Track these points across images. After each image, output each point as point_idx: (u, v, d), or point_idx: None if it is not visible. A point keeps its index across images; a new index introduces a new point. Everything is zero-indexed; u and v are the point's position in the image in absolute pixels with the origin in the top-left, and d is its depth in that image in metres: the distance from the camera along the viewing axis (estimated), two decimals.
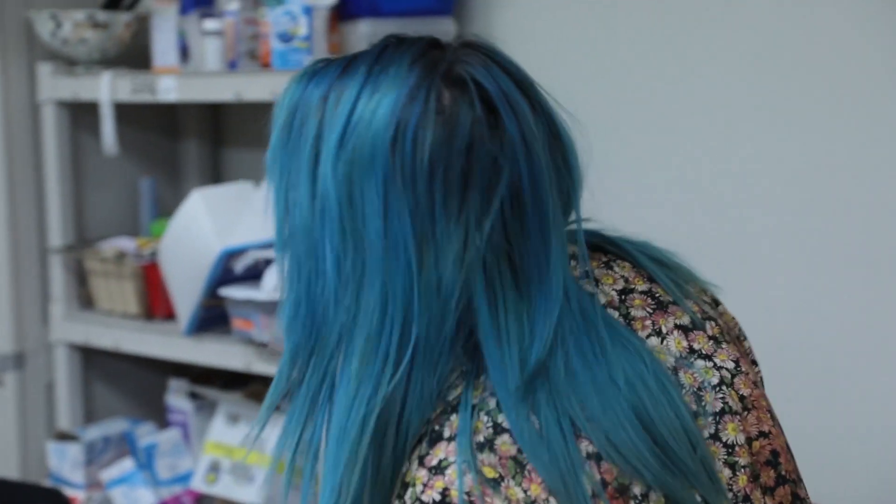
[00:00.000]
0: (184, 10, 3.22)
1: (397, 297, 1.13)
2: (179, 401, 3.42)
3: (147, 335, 3.29)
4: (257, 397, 3.20)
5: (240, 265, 2.94)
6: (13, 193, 3.51)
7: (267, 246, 2.89)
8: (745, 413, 1.22)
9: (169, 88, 3.20)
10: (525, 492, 1.07)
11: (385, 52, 1.17)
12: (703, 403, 1.18)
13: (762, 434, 1.21)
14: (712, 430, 1.17)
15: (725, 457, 1.18)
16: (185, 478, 3.29)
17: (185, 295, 3.13)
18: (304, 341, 1.19)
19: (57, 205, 3.53)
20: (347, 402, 1.13)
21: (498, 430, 1.10)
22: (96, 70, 3.37)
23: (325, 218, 1.13)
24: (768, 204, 2.73)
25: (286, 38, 2.99)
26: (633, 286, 1.25)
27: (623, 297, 1.25)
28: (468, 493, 1.06)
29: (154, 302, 3.28)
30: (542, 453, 1.08)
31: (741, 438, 1.19)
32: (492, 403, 1.11)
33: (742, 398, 1.22)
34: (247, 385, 3.25)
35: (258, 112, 3.13)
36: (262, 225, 2.68)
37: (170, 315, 3.21)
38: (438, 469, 1.09)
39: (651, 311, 1.22)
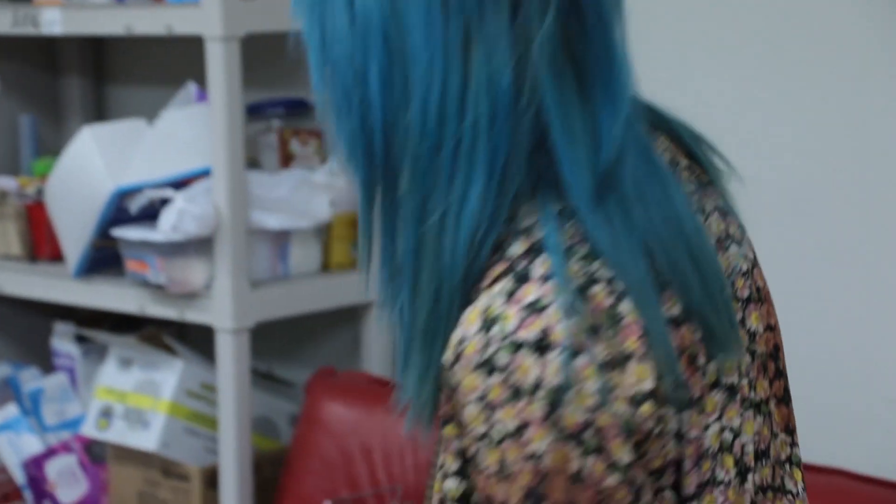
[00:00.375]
0: None
1: (454, 105, 1.22)
2: (66, 345, 3.32)
3: (31, 277, 3.22)
4: (152, 340, 3.11)
5: (134, 205, 2.81)
6: None
7: (162, 185, 2.84)
8: (762, 304, 1.21)
9: (53, 21, 3.11)
10: (622, 344, 1.04)
11: None
12: (734, 288, 1.16)
13: (770, 327, 1.20)
14: (740, 316, 1.14)
15: (748, 343, 1.17)
16: (73, 423, 3.19)
17: (74, 235, 3.04)
18: (370, 174, 1.15)
19: None
20: (414, 224, 1.08)
21: (592, 279, 1.01)
22: None
23: (369, 39, 1.07)
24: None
25: None
26: (677, 159, 1.18)
27: (671, 167, 1.19)
28: (574, 336, 1.14)
29: (38, 242, 3.17)
30: (626, 261, 1.05)
31: (761, 328, 1.18)
32: (583, 250, 1.04)
33: (759, 289, 1.21)
34: (139, 328, 3.18)
35: (147, 47, 2.96)
36: (157, 163, 2.98)
37: (56, 256, 3.09)
38: (534, 308, 1.09)
39: (694, 188, 1.16)
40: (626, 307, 0.97)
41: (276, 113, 3.36)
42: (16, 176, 3.41)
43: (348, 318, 3.38)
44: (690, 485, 1.05)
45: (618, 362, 0.96)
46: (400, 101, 1.03)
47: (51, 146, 3.48)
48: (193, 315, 3.02)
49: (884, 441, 2.64)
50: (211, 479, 3.07)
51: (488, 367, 1.11)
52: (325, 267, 3.14)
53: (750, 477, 1.15)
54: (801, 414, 1.56)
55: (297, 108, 3.43)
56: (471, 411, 1.08)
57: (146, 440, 2.99)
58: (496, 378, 1.11)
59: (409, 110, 1.04)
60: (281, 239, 3.06)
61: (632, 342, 0.96)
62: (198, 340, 3.25)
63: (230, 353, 2.96)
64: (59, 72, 3.80)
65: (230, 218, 2.92)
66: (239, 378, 3.00)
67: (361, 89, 1.04)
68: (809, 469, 1.90)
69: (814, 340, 2.71)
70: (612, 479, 0.99)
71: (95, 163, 3.01)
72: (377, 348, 3.42)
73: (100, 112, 3.80)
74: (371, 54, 1.02)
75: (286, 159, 3.26)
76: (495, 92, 1.00)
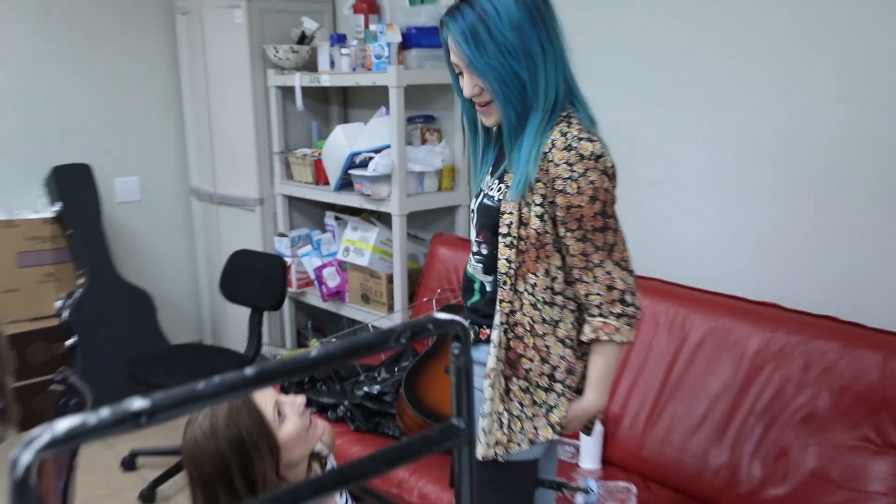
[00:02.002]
0: (332, 43, 3.90)
1: (549, 70, 1.79)
2: (330, 221, 4.25)
3: (316, 191, 4.09)
4: (365, 219, 3.99)
5: (357, 159, 3.72)
6: (258, 129, 4.25)
7: (369, 151, 3.70)
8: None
9: (325, 80, 3.93)
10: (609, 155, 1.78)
11: None
12: None
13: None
14: None
15: None
16: (333, 254, 4.15)
17: (334, 173, 3.89)
18: (511, 97, 1.81)
19: (276, 132, 4.25)
20: (532, 102, 1.82)
21: (592, 127, 1.80)
22: (292, 72, 4.07)
23: (517, 45, 1.76)
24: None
25: (378, 56, 3.65)
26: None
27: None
28: (597, 139, 1.80)
29: (319, 176, 4.07)
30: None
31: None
32: (586, 122, 1.82)
33: None
34: (360, 213, 4.05)
35: (365, 90, 4.20)
36: (367, 141, 3.67)
37: (326, 182, 4.02)
38: (582, 128, 1.79)
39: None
40: (601, 146, 1.78)
41: (418, 120, 3.98)
42: (310, 148, 4.24)
43: (449, 212, 3.96)
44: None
45: (602, 151, 1.76)
46: (528, 66, 1.77)
47: (324, 135, 4.22)
48: (383, 207, 3.72)
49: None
50: (390, 279, 3.78)
51: (568, 147, 1.76)
52: (439, 189, 3.83)
53: None
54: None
55: (428, 119, 4.01)
56: (560, 168, 1.76)
57: (363, 261, 3.88)
58: (573, 153, 1.76)
59: (534, 69, 1.77)
60: (419, 175, 3.72)
61: (600, 148, 1.79)
62: (385, 219, 3.89)
63: (399, 226, 3.70)
64: (328, 102, 4.54)
65: (398, 166, 3.61)
66: (402, 236, 3.70)
67: (514, 64, 1.77)
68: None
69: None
70: (613, 192, 1.81)
71: (342, 141, 3.80)
72: (462, 225, 3.89)
73: (345, 119, 4.56)
74: (515, 51, 1.75)
75: (423, 141, 3.86)
76: (558, 63, 1.81)
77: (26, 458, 0.67)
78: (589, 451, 2.86)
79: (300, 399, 1.80)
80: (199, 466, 1.67)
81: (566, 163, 1.75)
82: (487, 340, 1.90)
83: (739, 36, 2.82)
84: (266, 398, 1.73)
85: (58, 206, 4.26)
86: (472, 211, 1.98)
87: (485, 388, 1.88)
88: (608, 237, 1.80)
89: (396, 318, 3.75)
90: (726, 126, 2.91)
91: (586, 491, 2.59)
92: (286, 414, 1.75)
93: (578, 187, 1.74)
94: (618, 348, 1.86)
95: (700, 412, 2.69)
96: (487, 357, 1.89)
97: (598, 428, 2.85)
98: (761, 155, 2.83)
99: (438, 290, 3.56)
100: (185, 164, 4.94)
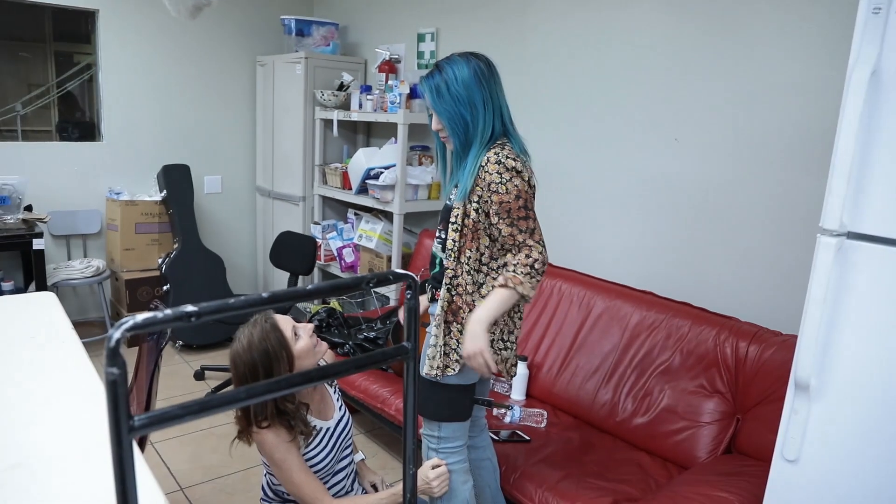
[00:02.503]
0: (361, 91, 3.91)
1: (487, 115, 1.84)
2: (351, 215, 4.20)
3: (342, 193, 4.03)
4: (375, 215, 3.92)
5: (372, 173, 3.71)
6: (305, 147, 4.15)
7: (380, 168, 3.65)
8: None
9: (354, 116, 3.90)
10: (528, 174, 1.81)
11: (453, 59, 1.85)
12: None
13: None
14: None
15: None
16: (350, 238, 4.10)
17: (355, 181, 3.86)
18: (463, 133, 1.86)
19: (318, 150, 4.13)
20: (475, 141, 1.83)
21: (516, 153, 1.82)
22: (332, 109, 4.07)
23: (462, 98, 1.82)
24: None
25: (392, 102, 3.66)
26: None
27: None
28: (518, 160, 1.80)
29: (345, 183, 4.02)
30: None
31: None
32: (514, 147, 1.85)
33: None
34: (371, 211, 3.99)
35: (380, 125, 4.16)
36: (380, 160, 3.65)
37: (349, 187, 3.98)
38: (510, 153, 1.81)
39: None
40: (522, 159, 1.81)
41: (417, 148, 3.92)
42: (340, 162, 4.22)
43: (434, 214, 3.87)
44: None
45: (522, 168, 1.78)
46: (471, 112, 1.83)
47: (351, 154, 4.13)
48: (388, 208, 3.62)
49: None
50: (389, 259, 3.73)
51: (498, 162, 1.79)
52: (428, 197, 3.74)
53: None
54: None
55: (424, 148, 3.92)
56: (492, 176, 1.78)
57: (371, 245, 3.85)
58: (501, 166, 1.79)
59: (475, 114, 1.82)
60: (415, 187, 3.68)
61: (520, 165, 1.80)
62: (388, 216, 3.83)
63: (398, 222, 3.60)
64: (356, 131, 4.45)
65: (401, 179, 3.58)
66: (399, 229, 3.66)
67: (461, 109, 1.83)
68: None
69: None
70: (532, 195, 1.82)
71: (362, 159, 3.80)
72: None
73: (366, 144, 4.46)
74: (463, 101, 1.82)
75: (420, 163, 3.81)
76: (495, 111, 1.84)
77: (116, 334, 0.74)
78: (518, 387, 2.90)
79: (310, 325, 1.83)
80: (238, 369, 1.72)
81: (497, 172, 1.78)
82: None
83: (641, 107, 2.87)
84: (287, 323, 1.77)
85: (164, 193, 4.28)
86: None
87: (432, 328, 1.92)
88: (529, 224, 1.80)
89: (391, 288, 3.71)
90: (630, 167, 2.95)
91: (511, 409, 2.65)
92: (300, 335, 1.79)
93: (507, 189, 1.77)
94: (515, 297, 1.82)
95: (595, 364, 2.72)
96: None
97: (524, 371, 2.87)
98: (650, 188, 2.87)
99: (422, 269, 3.52)
100: (253, 169, 4.96)
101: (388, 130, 4.26)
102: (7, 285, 3.82)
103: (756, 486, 1.93)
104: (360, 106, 3.93)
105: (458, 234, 1.86)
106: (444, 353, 1.90)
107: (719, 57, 2.55)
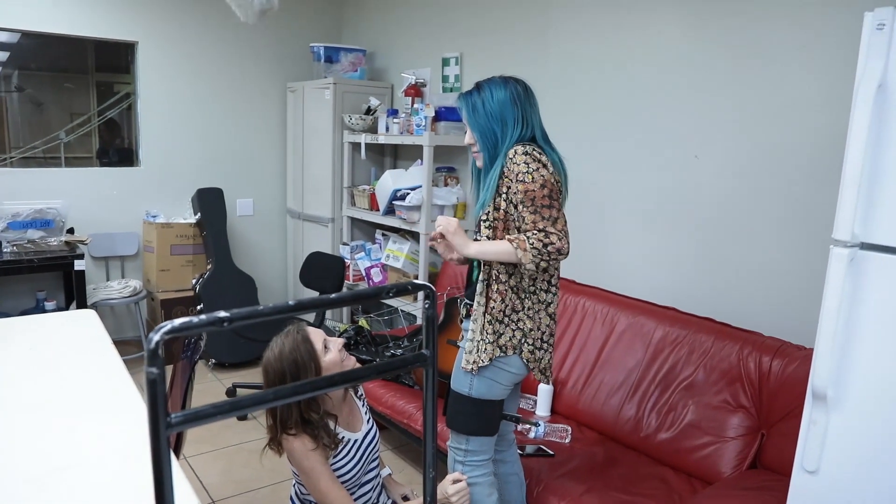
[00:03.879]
0: (388, 115, 3.96)
1: (517, 129, 1.89)
2: (378, 236, 4.20)
3: (370, 214, 4.08)
4: (402, 235, 3.91)
5: (399, 194, 3.75)
6: (334, 169, 4.19)
7: (407, 189, 3.68)
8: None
9: (381, 139, 3.95)
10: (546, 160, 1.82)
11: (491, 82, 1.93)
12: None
13: None
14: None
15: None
16: (378, 258, 4.11)
17: (382, 202, 3.91)
18: (492, 147, 1.93)
19: (346, 173, 4.17)
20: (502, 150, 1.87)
21: (542, 151, 1.86)
22: (360, 132, 4.11)
23: (495, 114, 1.89)
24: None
25: (418, 125, 3.71)
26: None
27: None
28: (543, 155, 1.83)
29: (373, 204, 4.05)
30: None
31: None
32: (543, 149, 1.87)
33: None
34: (398, 231, 4.00)
35: (408, 148, 4.19)
36: (407, 181, 3.67)
37: (377, 209, 4.01)
38: (534, 149, 1.85)
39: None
40: (547, 159, 1.84)
41: (443, 169, 3.93)
42: (368, 184, 4.26)
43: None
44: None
45: (548, 162, 1.82)
46: (502, 128, 1.91)
47: (378, 176, 4.12)
48: (414, 228, 3.65)
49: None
50: (416, 279, 3.72)
51: (525, 153, 1.84)
52: (455, 216, 3.67)
53: None
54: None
55: (450, 169, 3.94)
56: (520, 166, 1.82)
57: (399, 264, 3.85)
58: (528, 157, 1.84)
59: (505, 130, 1.89)
60: (441, 207, 3.68)
61: (546, 160, 1.84)
62: (415, 237, 3.85)
63: (424, 242, 3.59)
64: (383, 154, 4.50)
65: (427, 200, 3.61)
66: (425, 249, 3.66)
67: (493, 125, 1.91)
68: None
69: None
70: (557, 186, 1.84)
71: (389, 181, 3.84)
72: None
73: (393, 166, 4.46)
74: (495, 118, 1.90)
75: (445, 184, 3.83)
76: (526, 128, 1.90)
77: (156, 336, 0.79)
78: (543, 403, 2.90)
79: (340, 340, 1.88)
80: (268, 376, 1.78)
81: (524, 162, 1.82)
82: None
83: (661, 126, 2.88)
84: (318, 336, 1.82)
85: (198, 216, 4.36)
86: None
87: (471, 325, 1.98)
88: (553, 213, 1.81)
89: (417, 305, 3.74)
90: (651, 185, 2.96)
91: (536, 424, 2.67)
92: (330, 348, 1.84)
93: (532, 178, 1.80)
94: (513, 258, 1.82)
95: (619, 380, 2.72)
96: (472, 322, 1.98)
97: (549, 388, 2.88)
98: (671, 205, 2.87)
99: (448, 287, 3.55)
100: (284, 192, 5.02)
101: (414, 152, 4.31)
102: (50, 304, 3.93)
103: (780, 500, 1.89)
104: (387, 129, 3.98)
105: (490, 229, 1.90)
106: (479, 349, 1.94)
107: (737, 75, 2.57)
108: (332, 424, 1.81)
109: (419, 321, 3.73)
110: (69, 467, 1.37)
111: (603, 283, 3.14)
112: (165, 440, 0.80)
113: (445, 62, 3.98)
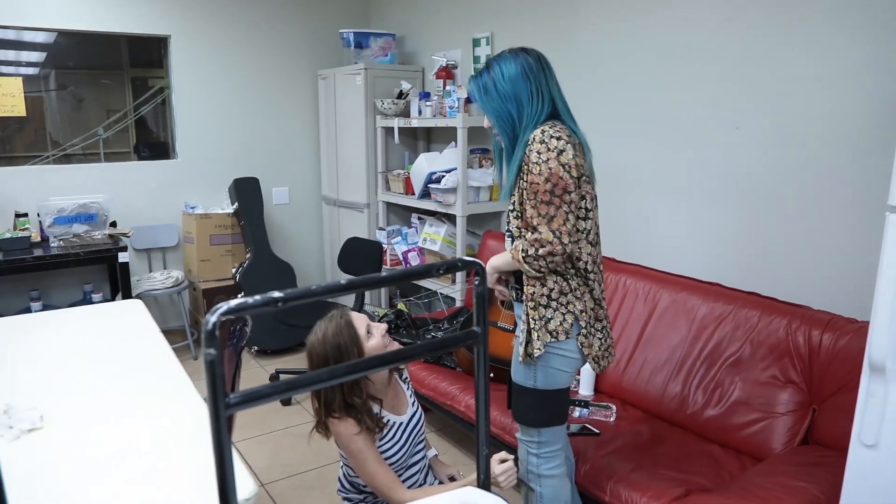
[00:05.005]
0: (420, 98, 3.94)
1: (535, 106, 1.79)
2: (415, 219, 4.14)
3: (406, 198, 4.01)
4: (439, 219, 3.89)
5: (434, 177, 3.75)
6: (368, 155, 4.20)
7: (442, 171, 3.67)
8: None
9: (414, 123, 3.95)
10: (574, 151, 1.73)
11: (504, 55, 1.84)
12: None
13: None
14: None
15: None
16: (415, 242, 4.07)
17: (418, 186, 3.91)
18: (510, 130, 1.84)
19: (380, 158, 4.24)
20: (520, 127, 1.79)
21: (568, 133, 1.76)
22: (392, 117, 4.10)
23: (509, 94, 1.80)
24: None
25: (451, 107, 3.68)
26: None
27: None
28: (565, 138, 1.74)
29: (408, 188, 4.05)
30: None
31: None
32: (567, 126, 1.79)
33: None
34: (434, 215, 4.01)
35: (442, 130, 4.15)
36: (441, 164, 3.66)
37: (412, 192, 4.02)
38: (555, 131, 1.76)
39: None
40: (573, 138, 1.75)
41: (477, 151, 3.87)
42: (402, 169, 4.24)
43: (496, 215, 3.85)
44: (590, 212, 1.81)
45: (570, 146, 1.72)
46: (517, 107, 1.81)
47: (412, 160, 4.14)
48: (450, 211, 3.63)
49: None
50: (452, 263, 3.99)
51: (542, 141, 1.75)
52: (490, 199, 3.72)
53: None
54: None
55: (484, 150, 3.87)
56: (532, 155, 1.75)
57: (436, 248, 3.85)
58: (543, 145, 1.74)
59: (521, 109, 1.80)
60: (476, 189, 3.66)
61: (579, 152, 1.77)
62: (451, 219, 3.83)
63: (461, 224, 3.55)
64: (416, 138, 4.47)
65: (462, 182, 3.58)
66: (462, 231, 3.57)
67: (507, 105, 1.81)
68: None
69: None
70: (567, 180, 1.72)
71: (424, 164, 3.83)
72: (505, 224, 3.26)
73: (427, 149, 4.47)
74: (509, 98, 1.81)
75: (480, 165, 3.79)
76: (544, 102, 1.80)
77: (213, 318, 0.80)
78: (586, 382, 2.88)
79: (384, 325, 1.87)
80: (312, 359, 1.79)
81: (537, 152, 1.74)
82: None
83: (699, 97, 2.82)
84: (361, 321, 1.82)
85: (236, 206, 4.40)
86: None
87: (522, 315, 1.91)
88: (550, 210, 1.74)
89: (456, 288, 3.73)
90: (691, 158, 2.90)
91: (578, 403, 2.65)
92: (373, 333, 1.84)
93: (539, 170, 1.73)
94: (515, 264, 1.84)
95: (663, 357, 2.68)
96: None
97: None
98: (712, 179, 2.82)
99: None
100: (318, 179, 5.04)
101: (447, 135, 4.29)
102: (96, 296, 4.02)
103: (835, 476, 1.86)
104: (420, 112, 3.96)
105: (518, 219, 1.86)
106: (529, 340, 1.88)
107: (779, 41, 2.50)
108: (376, 408, 1.80)
109: (458, 304, 3.69)
110: (130, 450, 1.40)
111: (644, 260, 3.09)
112: (225, 420, 0.81)
113: (476, 43, 3.95)
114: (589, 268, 1.85)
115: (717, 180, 2.78)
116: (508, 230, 1.93)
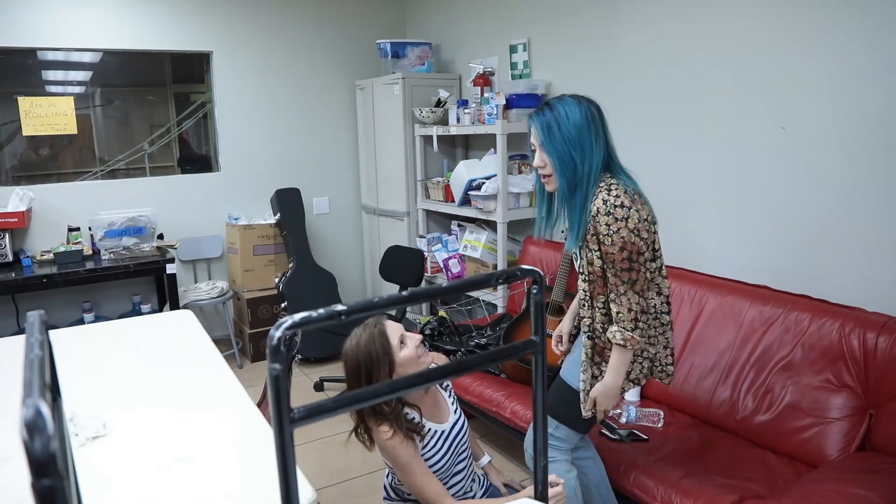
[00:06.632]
0: (458, 106, 3.93)
1: (596, 154, 1.81)
2: (455, 227, 4.17)
3: (445, 206, 4.09)
4: (479, 226, 3.93)
5: (474, 184, 3.73)
6: (407, 164, 4.28)
7: (482, 178, 3.65)
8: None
9: (453, 130, 3.96)
10: (638, 213, 1.78)
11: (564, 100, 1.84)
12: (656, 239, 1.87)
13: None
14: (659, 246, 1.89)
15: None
16: (455, 249, 4.06)
17: (457, 193, 3.90)
18: (571, 174, 1.85)
19: (419, 166, 4.26)
20: (584, 177, 1.79)
21: (628, 192, 1.79)
22: (431, 125, 4.13)
23: (572, 138, 1.80)
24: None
25: (490, 114, 3.66)
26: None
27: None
28: (631, 203, 1.77)
29: (447, 196, 4.04)
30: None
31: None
32: (622, 182, 1.82)
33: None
34: (475, 222, 4.01)
35: (479, 137, 4.15)
36: (481, 171, 3.64)
37: (452, 200, 4.01)
38: (618, 196, 1.79)
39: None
40: (635, 199, 1.78)
41: (516, 157, 3.84)
42: (441, 176, 4.24)
43: (531, 223, 3.30)
44: (658, 250, 1.89)
45: (635, 207, 1.75)
46: (581, 153, 1.82)
47: (451, 167, 4.17)
48: (491, 217, 3.66)
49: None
50: (494, 268, 3.65)
51: (608, 213, 1.78)
52: (530, 205, 3.70)
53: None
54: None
55: (523, 157, 3.84)
56: (601, 227, 1.79)
57: (476, 255, 3.84)
58: (610, 217, 1.79)
59: (583, 156, 1.81)
60: (517, 196, 3.65)
61: (640, 205, 1.80)
62: (492, 226, 3.84)
63: (501, 231, 3.64)
64: (454, 145, 4.47)
65: (502, 188, 3.58)
66: (503, 238, 3.66)
67: (570, 150, 1.82)
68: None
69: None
70: (640, 243, 1.78)
71: (463, 171, 3.84)
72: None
73: (466, 157, 4.44)
74: (573, 142, 1.81)
75: (519, 171, 3.75)
76: (602, 153, 1.83)
77: (278, 333, 0.80)
78: (633, 388, 2.84)
79: (418, 336, 1.86)
80: (346, 365, 1.81)
81: (605, 224, 1.78)
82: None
83: (742, 97, 2.78)
84: (395, 330, 1.81)
85: (278, 216, 4.44)
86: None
87: (580, 374, 1.98)
88: (632, 275, 1.80)
89: (498, 295, 3.73)
90: (735, 160, 2.86)
91: (625, 408, 2.61)
92: (407, 344, 1.82)
93: (612, 241, 1.77)
94: (629, 354, 1.88)
95: (711, 362, 2.63)
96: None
97: None
98: (758, 180, 2.77)
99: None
100: (358, 188, 5.06)
101: (485, 142, 4.27)
102: (145, 307, 4.10)
103: None
104: (458, 120, 3.96)
105: (586, 282, 1.89)
106: (590, 388, 1.96)
107: (826, 34, 2.43)
108: (412, 415, 1.79)
109: (500, 310, 3.68)
110: (191, 457, 1.42)
111: (689, 264, 3.04)
112: (290, 435, 0.80)
113: (513, 49, 3.93)
114: (669, 300, 1.93)
115: (763, 181, 2.73)
116: (582, 273, 1.94)
